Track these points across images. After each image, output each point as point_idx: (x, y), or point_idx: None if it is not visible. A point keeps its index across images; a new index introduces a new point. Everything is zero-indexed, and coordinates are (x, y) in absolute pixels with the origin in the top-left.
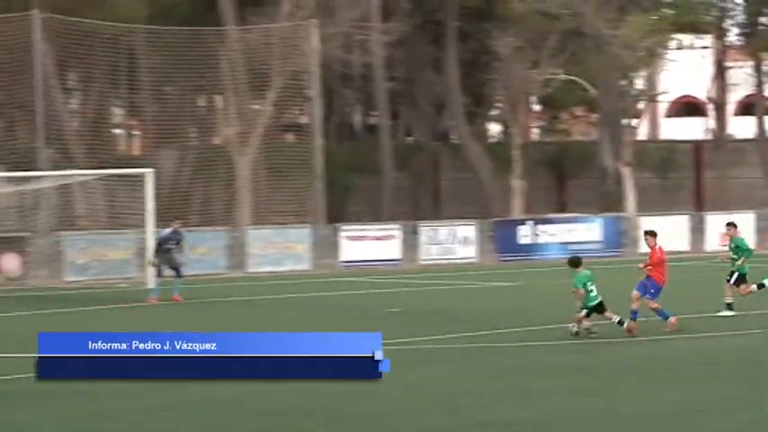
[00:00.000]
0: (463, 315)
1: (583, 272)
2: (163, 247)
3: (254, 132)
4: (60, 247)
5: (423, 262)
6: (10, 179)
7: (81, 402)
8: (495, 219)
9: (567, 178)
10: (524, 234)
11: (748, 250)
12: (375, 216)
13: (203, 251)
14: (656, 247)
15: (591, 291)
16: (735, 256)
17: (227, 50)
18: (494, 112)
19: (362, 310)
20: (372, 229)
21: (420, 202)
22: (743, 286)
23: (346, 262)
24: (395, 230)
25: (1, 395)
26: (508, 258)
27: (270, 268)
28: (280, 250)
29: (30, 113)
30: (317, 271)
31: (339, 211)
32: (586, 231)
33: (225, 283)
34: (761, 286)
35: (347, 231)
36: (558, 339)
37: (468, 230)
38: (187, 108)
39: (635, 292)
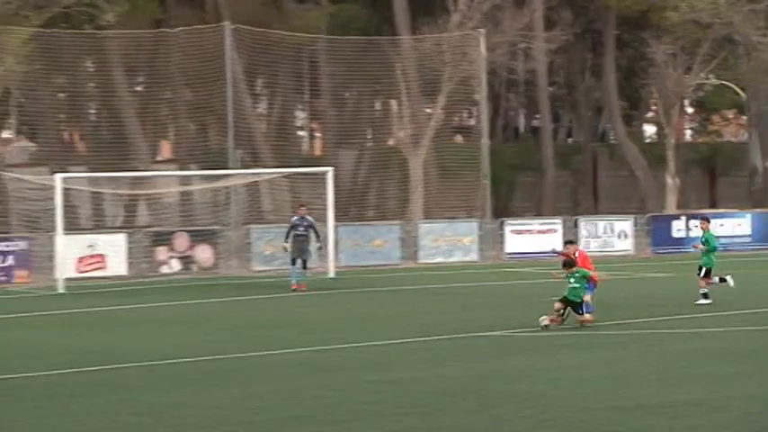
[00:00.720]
0: (621, 303)
1: None
2: (292, 234)
3: (426, 134)
4: (249, 240)
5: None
6: (204, 177)
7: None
8: (651, 214)
9: (718, 176)
10: (678, 228)
11: (714, 247)
12: (538, 211)
13: (379, 244)
14: None
15: None
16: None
17: (401, 58)
18: (649, 115)
19: (527, 298)
20: (535, 224)
21: (580, 198)
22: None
23: (511, 254)
24: (556, 224)
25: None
26: (662, 251)
27: (440, 259)
28: (449, 242)
29: (221, 117)
30: (484, 262)
31: (504, 207)
32: (736, 226)
33: (399, 273)
34: (722, 280)
35: (512, 225)
36: (706, 327)
37: (624, 225)
38: (364, 112)
39: None
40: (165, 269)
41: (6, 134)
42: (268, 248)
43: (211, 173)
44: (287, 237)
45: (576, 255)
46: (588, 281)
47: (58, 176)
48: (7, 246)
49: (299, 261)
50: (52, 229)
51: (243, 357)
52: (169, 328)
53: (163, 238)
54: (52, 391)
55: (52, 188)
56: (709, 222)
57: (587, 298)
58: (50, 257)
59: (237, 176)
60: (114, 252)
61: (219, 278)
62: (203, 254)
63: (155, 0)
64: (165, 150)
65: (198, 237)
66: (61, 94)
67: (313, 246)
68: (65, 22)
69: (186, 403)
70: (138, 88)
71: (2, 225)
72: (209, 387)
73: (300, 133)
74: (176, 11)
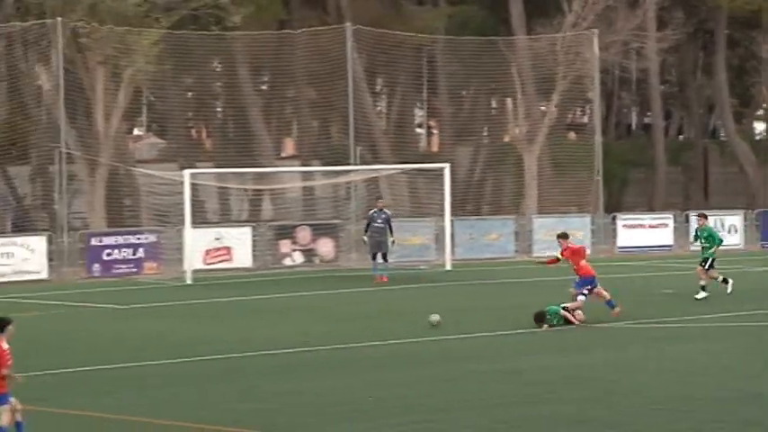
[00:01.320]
0: (730, 296)
1: None
2: (371, 227)
3: (540, 131)
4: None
5: (693, 248)
6: (325, 173)
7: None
8: (760, 209)
9: None
10: None
11: (720, 240)
12: (649, 206)
13: (494, 237)
14: None
15: None
16: (707, 244)
17: (516, 58)
18: (759, 112)
19: (639, 291)
20: (647, 218)
21: (690, 194)
22: (711, 271)
23: (623, 248)
24: (667, 219)
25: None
26: None
27: (554, 253)
28: None
29: (342, 115)
30: (596, 255)
31: (616, 202)
32: None
33: (513, 266)
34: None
35: (624, 220)
36: None
37: (734, 220)
38: (480, 109)
39: None
40: (287, 261)
41: (137, 131)
42: None
43: (332, 169)
44: (366, 230)
45: (565, 249)
46: (580, 277)
47: (187, 172)
48: (138, 238)
49: (378, 255)
50: (180, 222)
51: (364, 346)
52: (292, 318)
53: (286, 232)
54: (177, 379)
55: (181, 183)
56: (707, 218)
57: (577, 293)
58: (178, 250)
59: (357, 172)
60: (240, 245)
61: (340, 270)
62: (324, 247)
63: (279, 2)
64: (289, 147)
65: (319, 230)
66: (189, 93)
67: (389, 239)
68: (193, 23)
69: (308, 391)
70: (263, 87)
71: (133, 219)
72: (332, 375)
73: (418, 130)
74: (300, 12)
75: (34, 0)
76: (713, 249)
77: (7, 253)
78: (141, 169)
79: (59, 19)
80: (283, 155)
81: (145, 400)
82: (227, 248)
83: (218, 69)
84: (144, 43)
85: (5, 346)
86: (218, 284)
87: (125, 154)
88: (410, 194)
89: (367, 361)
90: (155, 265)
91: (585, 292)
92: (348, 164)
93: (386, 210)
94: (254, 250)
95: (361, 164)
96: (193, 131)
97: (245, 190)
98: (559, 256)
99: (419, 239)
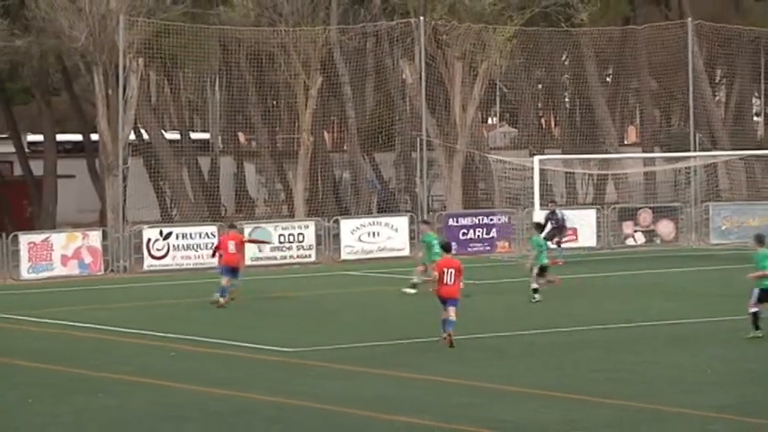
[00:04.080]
0: None
1: None
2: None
3: None
4: (707, 215)
5: None
6: (665, 159)
7: None
8: None
9: None
10: None
11: None
12: None
13: None
14: None
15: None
16: None
17: None
18: None
19: None
20: None
21: None
22: None
23: None
24: None
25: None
26: None
27: None
28: None
29: (683, 105)
30: None
31: None
32: None
33: None
34: None
35: None
36: None
37: None
38: None
39: None
40: (630, 242)
41: (491, 121)
42: (725, 224)
43: (673, 155)
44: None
45: None
46: None
47: (536, 158)
48: (491, 219)
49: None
50: (530, 204)
51: (699, 323)
52: (633, 295)
53: (628, 214)
54: (528, 350)
55: (530, 169)
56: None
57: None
58: (528, 230)
59: (697, 158)
60: (585, 225)
61: (680, 250)
62: (665, 228)
63: (625, 0)
64: (632, 134)
65: (660, 212)
66: (539, 85)
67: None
68: (543, 20)
69: (656, 362)
70: (608, 79)
71: (486, 201)
72: (668, 349)
73: (756, 119)
74: (643, 9)
75: (399, 1)
76: None
77: (374, 232)
78: (494, 156)
79: (422, 18)
80: (626, 142)
81: (501, 369)
82: (573, 229)
83: (566, 63)
84: (498, 39)
85: None
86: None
87: (480, 142)
88: (747, 179)
89: (703, 336)
90: (506, 244)
91: None
92: (688, 150)
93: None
94: (597, 231)
95: (701, 150)
96: (543, 120)
97: (591, 175)
98: None
99: (757, 222)
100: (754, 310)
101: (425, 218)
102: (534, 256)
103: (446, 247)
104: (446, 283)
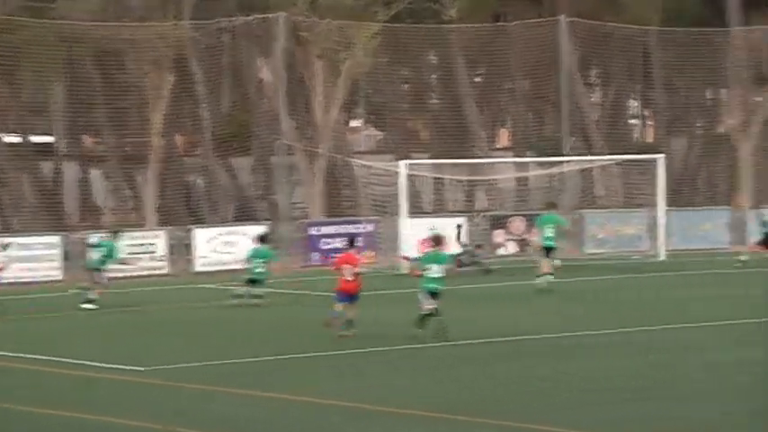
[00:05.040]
0: None
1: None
2: None
3: (755, 121)
4: (582, 224)
5: None
6: (539, 164)
7: None
8: None
9: None
10: None
11: None
12: None
13: (707, 228)
14: None
15: None
16: None
17: (732, 48)
18: None
19: None
20: None
21: None
22: None
23: None
24: None
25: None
26: None
27: None
28: None
29: (556, 106)
30: None
31: None
32: None
33: (728, 257)
34: None
35: None
36: None
37: None
38: (695, 100)
39: None
40: (501, 251)
41: (355, 123)
42: (600, 232)
43: (546, 159)
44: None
45: None
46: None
47: (403, 163)
48: (355, 228)
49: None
50: (397, 212)
51: (587, 335)
52: (505, 307)
53: (500, 222)
54: (389, 365)
55: (397, 174)
56: None
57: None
58: (395, 239)
59: (571, 163)
60: (453, 234)
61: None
62: (538, 236)
63: None
64: (503, 138)
65: (533, 220)
66: (405, 85)
67: None
68: (410, 17)
69: (531, 377)
70: (478, 79)
71: (350, 209)
72: (564, 360)
73: (632, 121)
74: (514, 5)
75: None
76: None
77: (230, 242)
78: (359, 160)
79: (281, 14)
80: (497, 146)
81: (410, 380)
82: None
83: (433, 62)
84: (362, 36)
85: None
86: None
87: (343, 145)
88: (623, 185)
89: (591, 348)
90: (372, 254)
91: None
92: (561, 155)
93: None
94: (470, 240)
95: (575, 155)
96: (409, 123)
97: (460, 181)
98: None
99: (632, 229)
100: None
101: None
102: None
103: (351, 241)
104: (347, 279)
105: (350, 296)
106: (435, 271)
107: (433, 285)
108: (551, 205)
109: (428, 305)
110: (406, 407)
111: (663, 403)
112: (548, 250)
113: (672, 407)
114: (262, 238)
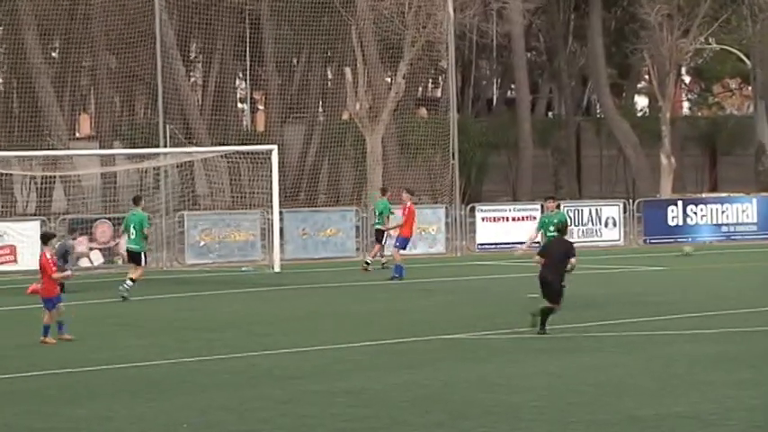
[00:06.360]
0: (607, 301)
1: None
2: None
3: (386, 107)
4: (182, 228)
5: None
6: (129, 157)
7: None
8: (643, 199)
9: (719, 155)
10: (673, 215)
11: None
12: (513, 195)
13: (332, 232)
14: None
15: None
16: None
17: (357, 20)
18: (641, 85)
19: (503, 296)
20: (510, 210)
21: (561, 181)
22: None
23: (482, 244)
24: (534, 211)
25: None
26: (656, 241)
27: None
28: None
29: (150, 87)
30: (451, 254)
31: (475, 191)
32: (740, 212)
33: (353, 267)
34: None
35: (483, 212)
36: (702, 328)
37: (612, 211)
38: (314, 81)
39: None
40: (84, 262)
41: None
42: (204, 238)
43: (138, 151)
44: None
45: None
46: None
47: None
48: None
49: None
50: None
51: (183, 363)
52: (117, 331)
53: (82, 227)
54: None
55: None
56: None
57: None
58: None
59: (168, 156)
60: (27, 243)
61: (149, 272)
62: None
63: None
64: (85, 125)
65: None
66: None
67: None
68: None
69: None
70: (54, 54)
71: None
72: (128, 398)
73: (241, 106)
74: None
75: None
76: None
77: None
78: None
79: None
80: (78, 135)
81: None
82: (12, 247)
83: None
84: None
85: (49, 255)
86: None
87: None
88: (231, 182)
89: (189, 379)
90: None
91: None
92: (157, 146)
93: None
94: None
95: (173, 146)
96: None
97: (33, 177)
98: None
99: (243, 235)
100: None
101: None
102: None
103: None
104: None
105: None
106: None
107: None
108: (136, 200)
109: None
110: None
111: None
112: (133, 256)
113: None
114: None
